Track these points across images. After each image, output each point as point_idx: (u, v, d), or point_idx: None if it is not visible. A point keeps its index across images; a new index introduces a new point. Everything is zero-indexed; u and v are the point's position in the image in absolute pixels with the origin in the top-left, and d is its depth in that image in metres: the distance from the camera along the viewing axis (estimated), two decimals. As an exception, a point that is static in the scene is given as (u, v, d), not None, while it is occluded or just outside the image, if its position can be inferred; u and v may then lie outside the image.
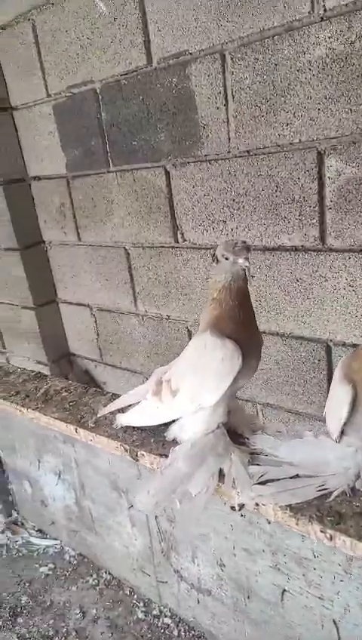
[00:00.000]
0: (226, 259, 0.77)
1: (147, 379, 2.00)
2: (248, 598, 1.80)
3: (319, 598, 1.55)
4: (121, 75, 1.57)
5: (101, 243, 1.94)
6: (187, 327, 1.77)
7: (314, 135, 1.23)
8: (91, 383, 2.28)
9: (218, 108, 1.38)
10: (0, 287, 2.37)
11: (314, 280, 1.36)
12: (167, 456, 0.82)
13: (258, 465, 0.74)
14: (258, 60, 1.25)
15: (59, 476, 2.59)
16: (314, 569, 1.52)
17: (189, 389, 0.77)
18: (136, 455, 0.88)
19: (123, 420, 0.91)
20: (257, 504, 0.71)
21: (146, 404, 0.84)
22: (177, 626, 2.16)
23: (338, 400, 0.76)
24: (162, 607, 2.26)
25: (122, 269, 1.90)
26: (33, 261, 2.20)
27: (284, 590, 1.66)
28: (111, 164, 1.76)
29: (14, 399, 0.97)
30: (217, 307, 0.78)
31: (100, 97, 1.67)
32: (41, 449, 2.61)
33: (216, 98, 1.37)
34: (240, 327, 0.80)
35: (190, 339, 1.78)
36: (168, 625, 2.18)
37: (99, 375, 2.24)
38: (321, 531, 0.63)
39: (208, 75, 1.36)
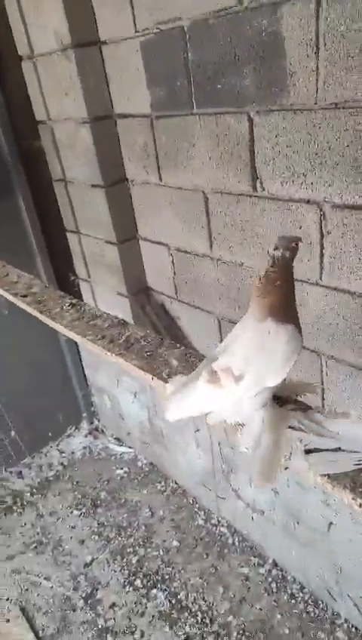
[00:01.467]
0: (276, 249, 0.84)
1: (218, 319, 2.11)
2: (297, 523, 1.99)
3: (362, 534, 1.68)
4: (210, 14, 1.51)
5: (181, 185, 1.97)
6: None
7: None
8: (166, 316, 2.43)
9: (308, 55, 1.31)
10: (86, 223, 2.51)
11: (391, 243, 1.34)
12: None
13: (303, 433, 0.83)
14: (355, 3, 1.16)
15: (135, 396, 2.87)
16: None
17: (255, 373, 0.85)
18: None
19: (173, 414, 0.95)
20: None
21: (198, 392, 0.90)
22: (232, 535, 2.45)
23: None
24: (220, 518, 2.55)
25: (200, 213, 1.94)
26: (117, 198, 2.29)
27: (331, 523, 1.82)
28: (194, 107, 1.74)
29: (101, 343, 1.12)
30: (275, 295, 0.84)
31: (187, 36, 1.62)
32: (120, 371, 2.88)
33: (306, 44, 1.30)
34: (294, 313, 0.88)
35: (262, 287, 1.83)
36: (224, 533, 2.47)
37: (174, 310, 2.37)
38: (353, 499, 0.73)
39: (300, 19, 1.28)
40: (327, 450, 0.79)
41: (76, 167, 2.35)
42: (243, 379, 0.85)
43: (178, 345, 1.11)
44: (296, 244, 0.87)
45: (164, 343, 1.10)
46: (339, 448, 0.79)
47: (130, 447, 3.21)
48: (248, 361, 0.86)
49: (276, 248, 0.85)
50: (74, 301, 1.40)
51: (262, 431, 0.85)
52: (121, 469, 3.06)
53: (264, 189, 1.64)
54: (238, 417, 0.89)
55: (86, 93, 2.08)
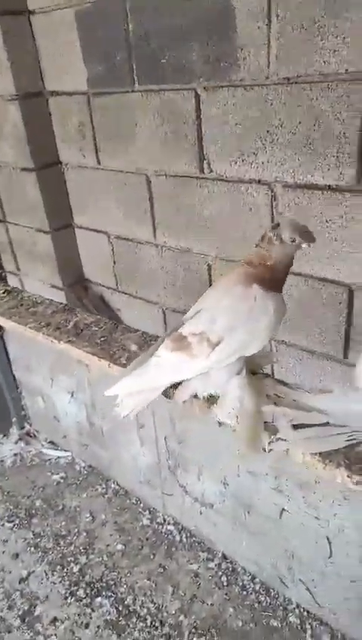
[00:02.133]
0: (293, 241, 0.81)
1: (163, 310, 2.03)
2: (248, 513, 1.96)
3: (315, 518, 1.69)
4: (154, -19, 1.44)
5: (122, 168, 1.87)
6: (207, 262, 1.76)
7: (363, 66, 1.15)
8: (106, 309, 2.32)
9: (259, 27, 1.28)
10: (16, 210, 2.32)
11: (344, 222, 1.34)
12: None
13: (288, 409, 0.78)
14: (310, -26, 1.14)
15: (72, 395, 2.71)
16: (314, 493, 1.65)
17: (238, 340, 0.79)
18: (173, 395, 0.90)
19: (120, 389, 0.87)
20: (287, 449, 0.76)
21: (160, 364, 0.84)
22: (180, 532, 2.37)
23: None
24: (166, 516, 2.47)
25: (142, 198, 1.86)
26: (49, 183, 2.14)
27: (283, 509, 1.81)
28: (136, 83, 1.66)
29: (46, 331, 1.00)
30: (266, 271, 0.81)
31: (128, 5, 1.54)
32: (55, 369, 2.71)
33: (258, 16, 1.27)
34: (280, 286, 0.84)
35: (209, 273, 1.78)
36: (171, 531, 2.39)
37: (114, 302, 2.26)
38: (348, 476, 0.69)
39: (252, -12, 1.25)
40: (316, 425, 0.74)
41: (4, 149, 2.17)
42: (219, 345, 0.79)
43: (134, 329, 1.02)
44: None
45: (118, 327, 1.01)
46: (328, 423, 0.75)
47: (66, 451, 3.03)
48: (231, 327, 0.80)
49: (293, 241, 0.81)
50: (9, 288, 1.26)
51: (242, 399, 0.79)
52: (57, 474, 2.88)
53: (212, 170, 1.59)
54: (211, 388, 0.82)
55: (14, 67, 1.91)
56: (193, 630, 1.95)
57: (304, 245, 0.83)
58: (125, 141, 1.79)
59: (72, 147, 2.02)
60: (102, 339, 0.96)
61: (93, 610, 2.07)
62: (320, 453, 0.72)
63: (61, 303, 1.14)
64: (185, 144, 1.61)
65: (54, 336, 0.98)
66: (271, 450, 0.77)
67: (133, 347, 0.96)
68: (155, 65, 1.56)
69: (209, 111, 1.50)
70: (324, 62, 1.21)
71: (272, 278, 0.83)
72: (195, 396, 0.83)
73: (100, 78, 1.76)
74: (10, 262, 2.58)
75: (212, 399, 0.83)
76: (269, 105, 1.36)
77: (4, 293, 1.23)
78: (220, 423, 0.80)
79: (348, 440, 0.72)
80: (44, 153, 2.08)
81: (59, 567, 2.28)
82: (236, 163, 1.51)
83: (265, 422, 0.76)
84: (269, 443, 0.76)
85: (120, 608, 2.06)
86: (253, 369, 0.92)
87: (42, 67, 1.96)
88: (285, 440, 0.73)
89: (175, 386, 0.90)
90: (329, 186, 1.34)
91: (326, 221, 1.38)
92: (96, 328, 1.00)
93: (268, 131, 1.39)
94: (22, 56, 1.92)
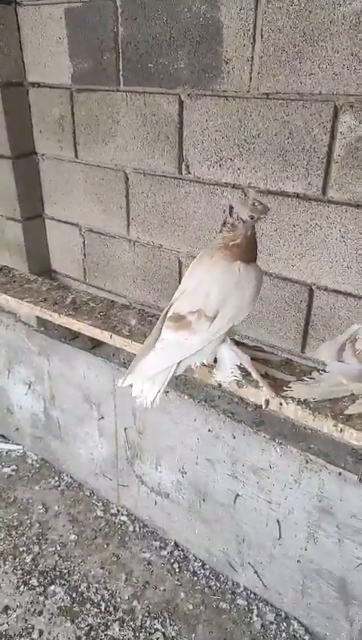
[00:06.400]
0: (252, 218, 0.91)
1: (130, 303, 2.10)
2: (203, 500, 2.06)
3: (268, 502, 1.81)
4: (147, -9, 1.53)
5: (100, 163, 1.94)
6: (178, 258, 1.86)
7: (335, 89, 1.30)
8: (72, 301, 2.35)
9: (244, 45, 1.40)
10: (-14, 195, 2.31)
11: (309, 227, 1.48)
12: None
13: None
14: (293, 3, 1.28)
15: (30, 386, 2.70)
16: (268, 478, 1.77)
17: (231, 310, 0.89)
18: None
19: (139, 381, 0.94)
20: (281, 403, 0.86)
21: (167, 345, 0.91)
22: (133, 523, 2.43)
23: None
24: (120, 507, 2.52)
25: (119, 193, 1.93)
26: (24, 172, 2.16)
27: (238, 495, 1.92)
28: (122, 83, 1.74)
29: (44, 305, 1.04)
30: (239, 249, 0.91)
31: (120, 10, 1.62)
32: (12, 360, 2.70)
33: (244, 34, 1.39)
34: (255, 257, 0.96)
35: (180, 269, 1.88)
36: (124, 522, 2.44)
37: (80, 294, 2.30)
38: (334, 425, 0.79)
39: (240, 9, 1.37)
40: (309, 381, 0.85)
41: (-22, 134, 2.17)
42: (215, 319, 0.88)
43: (130, 306, 1.09)
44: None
45: (115, 304, 1.08)
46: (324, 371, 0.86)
47: (17, 444, 3.00)
48: (223, 300, 0.90)
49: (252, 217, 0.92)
50: (0, 265, 1.29)
51: (235, 361, 0.89)
52: (9, 467, 2.85)
53: (190, 172, 1.70)
54: (204, 358, 0.92)
55: (-3, 55, 1.94)
56: (146, 614, 2.01)
57: (262, 216, 0.94)
58: (105, 137, 1.86)
59: (50, 139, 2.06)
60: (101, 313, 1.02)
61: (46, 598, 2.08)
62: (309, 407, 0.82)
63: (55, 282, 1.19)
64: (166, 145, 1.70)
65: (53, 310, 1.03)
66: (267, 403, 0.87)
67: (133, 321, 1.03)
68: (142, 68, 1.65)
69: (191, 116, 1.61)
70: (301, 82, 1.35)
71: (246, 252, 0.94)
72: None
73: (85, 75, 1.83)
74: (-27, 249, 2.55)
75: (209, 365, 0.92)
76: (248, 116, 1.48)
77: (-5, 270, 1.25)
78: (220, 385, 0.89)
79: (334, 389, 0.84)
80: (20, 142, 2.11)
81: (10, 557, 2.27)
82: (213, 167, 1.62)
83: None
84: (272, 398, 0.87)
85: (73, 595, 2.09)
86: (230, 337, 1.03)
87: (24, 58, 1.99)
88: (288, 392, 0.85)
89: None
90: (297, 193, 1.48)
91: (293, 225, 1.52)
92: (94, 304, 1.06)
93: (245, 140, 1.51)
94: (5, 45, 1.95)
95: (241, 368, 0.95)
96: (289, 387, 0.86)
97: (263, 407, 0.89)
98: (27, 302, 1.06)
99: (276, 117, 1.43)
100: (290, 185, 1.48)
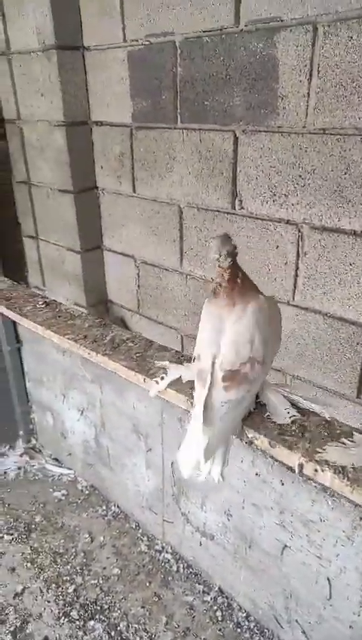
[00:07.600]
0: (229, 255, 0.90)
1: (182, 336, 2.08)
2: (249, 547, 1.95)
3: (318, 557, 1.68)
4: (204, 32, 1.55)
5: (156, 198, 1.96)
6: (230, 293, 1.82)
7: (396, 123, 1.23)
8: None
9: (300, 81, 1.37)
10: (50, 228, 2.42)
11: (367, 266, 1.40)
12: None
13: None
14: (352, 38, 1.23)
15: (82, 413, 2.74)
16: (318, 531, 1.64)
17: (272, 351, 0.87)
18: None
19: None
20: (316, 470, 0.79)
21: (232, 406, 0.88)
22: (177, 562, 2.35)
23: None
24: (164, 544, 2.45)
25: (173, 227, 1.94)
26: (85, 206, 2.24)
27: (285, 546, 1.80)
28: (179, 121, 1.76)
29: (83, 343, 1.05)
30: (236, 285, 0.89)
31: (179, 51, 1.65)
32: (68, 385, 2.75)
33: (300, 71, 1.36)
34: (256, 287, 0.98)
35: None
36: (168, 560, 2.37)
37: (133, 325, 2.32)
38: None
39: (296, 46, 1.35)
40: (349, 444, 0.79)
41: (44, 170, 2.29)
42: (264, 360, 0.85)
43: (168, 347, 1.07)
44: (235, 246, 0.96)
45: (153, 345, 1.06)
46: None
47: (69, 469, 3.03)
48: (264, 341, 0.86)
49: (222, 254, 0.89)
50: (48, 300, 1.32)
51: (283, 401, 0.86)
52: (59, 491, 2.88)
53: (243, 207, 1.67)
54: (251, 407, 0.88)
55: (65, 96, 2.04)
56: (184, 664, 1.92)
57: (236, 251, 0.95)
58: (162, 172, 1.89)
59: (110, 174, 2.13)
60: (137, 354, 1.01)
61: (85, 634, 2.04)
62: (348, 478, 0.75)
63: (97, 318, 1.20)
64: (220, 181, 1.70)
65: (91, 349, 1.03)
66: (301, 467, 0.81)
67: (168, 364, 1.02)
68: (199, 106, 1.67)
69: (245, 152, 1.59)
70: (359, 117, 1.29)
71: (245, 285, 0.90)
72: None
73: (145, 113, 1.87)
74: (36, 277, 2.66)
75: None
76: (304, 151, 1.44)
77: (43, 304, 1.29)
78: (252, 442, 0.85)
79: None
80: (83, 178, 2.19)
81: (54, 585, 2.26)
82: (267, 202, 1.59)
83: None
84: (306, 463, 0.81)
85: (112, 634, 2.03)
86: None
87: (90, 98, 2.09)
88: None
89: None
90: (354, 230, 1.41)
91: (350, 264, 1.44)
92: (132, 344, 1.05)
93: (300, 176, 1.47)
94: (73, 86, 2.05)
95: (294, 407, 0.91)
96: (324, 449, 0.78)
97: (296, 471, 0.82)
98: (68, 338, 1.07)
99: (332, 152, 1.38)
100: (346, 221, 1.41)
